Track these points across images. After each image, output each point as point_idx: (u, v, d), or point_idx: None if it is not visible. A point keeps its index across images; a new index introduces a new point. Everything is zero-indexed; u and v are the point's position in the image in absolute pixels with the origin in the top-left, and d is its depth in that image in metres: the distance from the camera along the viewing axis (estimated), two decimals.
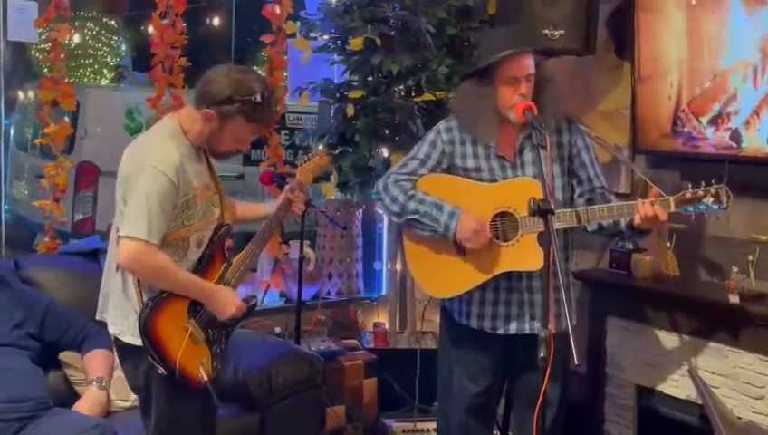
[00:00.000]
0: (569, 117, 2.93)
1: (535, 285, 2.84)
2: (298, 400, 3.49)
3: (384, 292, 5.06)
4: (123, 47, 10.62)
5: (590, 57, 3.84)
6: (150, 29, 4.15)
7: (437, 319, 3.23)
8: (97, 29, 10.33)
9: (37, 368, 3.14)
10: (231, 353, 2.77)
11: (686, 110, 3.55)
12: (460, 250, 2.82)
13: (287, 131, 7.08)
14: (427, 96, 4.11)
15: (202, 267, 2.59)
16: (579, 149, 2.90)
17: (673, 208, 2.63)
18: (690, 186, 2.64)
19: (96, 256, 3.65)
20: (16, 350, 3.11)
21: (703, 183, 2.63)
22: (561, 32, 3.60)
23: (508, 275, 2.83)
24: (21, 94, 6.85)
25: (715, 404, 3.16)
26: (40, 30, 3.93)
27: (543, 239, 2.69)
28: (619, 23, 3.97)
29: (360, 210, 4.92)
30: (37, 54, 8.11)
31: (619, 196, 3.93)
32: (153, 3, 4.07)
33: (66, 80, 4.00)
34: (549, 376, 2.26)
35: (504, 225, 2.80)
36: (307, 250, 4.29)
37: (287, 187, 2.89)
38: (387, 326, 4.67)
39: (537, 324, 2.82)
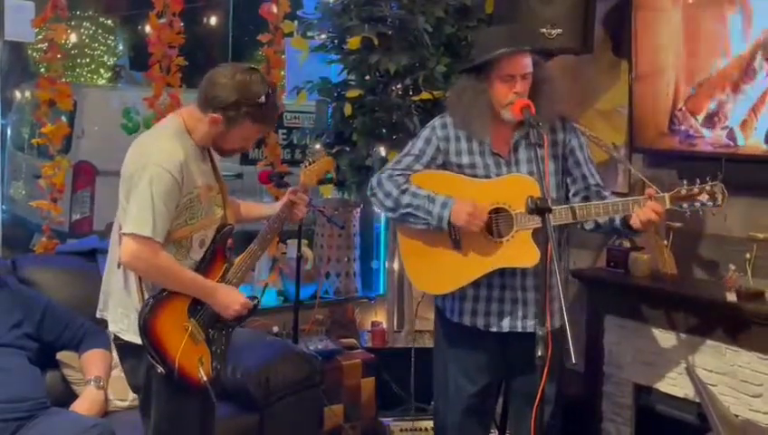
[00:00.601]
0: (563, 116, 2.93)
1: (528, 283, 2.85)
2: (296, 399, 3.49)
3: (382, 291, 5.05)
4: (120, 47, 10.62)
5: (587, 56, 3.84)
6: (147, 28, 4.14)
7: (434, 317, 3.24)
8: (94, 28, 10.32)
9: (35, 368, 3.14)
10: (229, 353, 2.76)
11: (683, 108, 3.55)
12: (456, 243, 2.82)
13: (285, 131, 7.08)
14: (425, 95, 4.11)
15: (204, 267, 2.59)
16: (573, 147, 2.91)
17: (668, 205, 2.65)
18: (686, 183, 2.65)
19: (94, 255, 3.64)
20: (14, 350, 3.11)
21: (698, 180, 2.63)
22: (559, 30, 3.61)
23: (501, 272, 2.84)
24: (18, 94, 6.84)
25: (712, 402, 3.16)
26: (37, 29, 3.92)
27: (539, 237, 2.71)
28: (616, 21, 3.98)
29: (358, 209, 4.92)
30: (34, 54, 8.10)
31: (617, 195, 3.95)
32: (150, 2, 4.07)
33: (63, 79, 4.00)
34: (547, 374, 2.26)
35: (498, 221, 2.81)
36: (305, 249, 4.29)
37: (290, 189, 2.88)
38: (385, 325, 4.67)
39: (530, 322, 2.85)
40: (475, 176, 2.87)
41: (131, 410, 3.17)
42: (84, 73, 10.16)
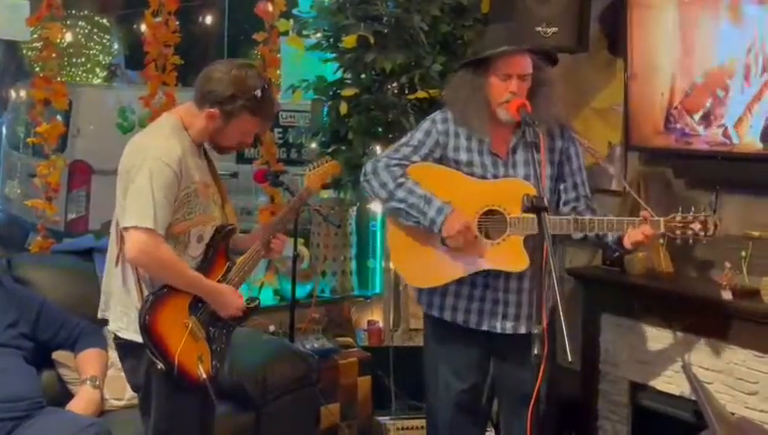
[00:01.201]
0: (562, 123, 2.93)
1: (512, 285, 2.86)
2: (292, 398, 3.49)
3: (378, 290, 5.05)
4: (116, 46, 10.60)
5: (583, 54, 3.84)
6: (143, 27, 4.13)
7: None
8: (89, 27, 10.30)
9: (31, 367, 3.13)
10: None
11: (679, 106, 3.55)
12: (445, 241, 2.82)
13: (280, 129, 7.07)
14: (421, 94, 4.10)
15: (205, 267, 2.59)
16: (570, 155, 2.93)
17: (662, 230, 2.69)
18: (681, 210, 2.68)
19: (89, 254, 3.64)
20: (10, 350, 3.10)
21: (693, 208, 2.68)
22: (554, 29, 3.62)
23: (486, 273, 2.84)
24: (13, 93, 6.84)
25: (708, 400, 3.17)
26: (32, 28, 3.92)
27: (529, 241, 2.75)
28: (611, 19, 3.98)
29: (354, 208, 4.91)
30: (29, 53, 8.09)
31: (611, 194, 3.96)
32: (145, 1, 4.06)
33: (58, 78, 3.99)
34: (543, 374, 2.26)
35: (491, 223, 2.81)
36: (301, 248, 4.29)
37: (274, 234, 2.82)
38: (381, 324, 4.67)
39: (509, 324, 2.88)
40: (471, 174, 2.86)
41: (127, 410, 3.17)
42: (80, 72, 10.14)
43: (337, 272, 4.86)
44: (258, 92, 2.53)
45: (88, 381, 3.18)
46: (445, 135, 2.90)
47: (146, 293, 2.48)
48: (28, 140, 4.15)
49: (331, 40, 4.37)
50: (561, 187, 2.93)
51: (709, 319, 3.36)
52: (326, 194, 4.57)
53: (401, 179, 2.86)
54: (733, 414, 3.24)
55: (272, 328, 4.28)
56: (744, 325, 3.23)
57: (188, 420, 2.60)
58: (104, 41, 10.54)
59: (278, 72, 4.64)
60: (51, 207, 3.95)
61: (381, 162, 2.93)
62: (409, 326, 4.50)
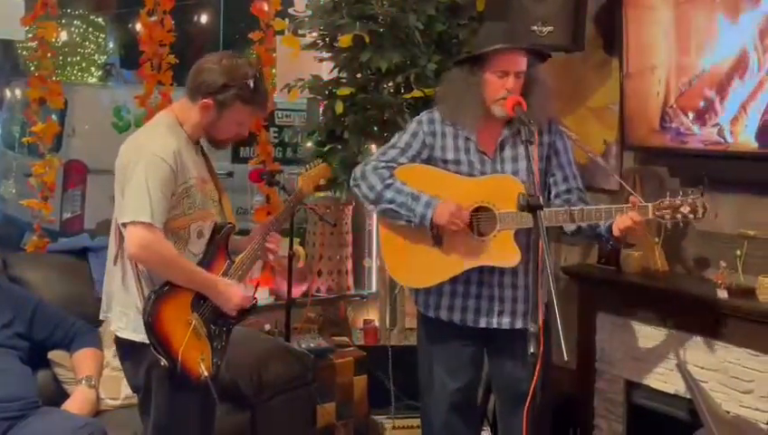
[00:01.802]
0: (550, 118, 2.95)
1: (506, 280, 2.88)
2: (288, 397, 3.49)
3: (374, 289, 5.05)
4: (111, 45, 10.59)
5: (578, 53, 3.84)
6: (138, 26, 4.13)
7: None
8: (84, 27, 10.30)
9: (26, 367, 3.13)
10: None
11: (674, 105, 3.56)
12: (437, 240, 2.83)
13: (276, 129, 7.07)
14: (416, 93, 4.10)
15: (206, 264, 2.59)
16: (558, 149, 2.94)
17: (651, 215, 2.68)
18: (669, 194, 2.69)
19: (85, 254, 3.63)
20: (5, 349, 3.10)
21: (680, 193, 2.67)
22: (550, 28, 3.62)
23: (480, 269, 2.86)
24: (8, 92, 6.83)
25: (703, 399, 3.18)
26: (27, 27, 3.91)
27: (521, 237, 2.77)
28: (607, 18, 3.98)
29: (350, 207, 4.91)
30: (24, 52, 8.08)
31: (608, 193, 3.96)
32: (141, 0, 4.06)
33: (54, 78, 3.98)
34: (539, 372, 2.26)
35: (481, 220, 2.82)
36: (297, 247, 4.28)
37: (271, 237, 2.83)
38: (377, 323, 4.67)
39: (505, 320, 2.89)
40: (459, 172, 2.88)
41: (123, 409, 3.18)
42: (75, 72, 10.13)
43: (333, 271, 4.86)
44: (250, 81, 2.54)
45: (83, 381, 3.17)
46: (431, 135, 2.92)
47: (146, 290, 2.47)
48: (23, 139, 4.14)
49: (327, 39, 4.37)
50: (551, 180, 2.94)
51: (704, 317, 3.37)
52: (322, 193, 4.57)
53: (389, 181, 2.88)
54: (728, 413, 3.25)
55: (267, 327, 4.28)
56: (739, 324, 3.23)
57: (189, 419, 2.59)
58: (99, 40, 10.54)
59: (274, 71, 4.64)
60: (46, 207, 3.94)
61: (369, 165, 2.94)
62: (405, 325, 4.51)
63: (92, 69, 10.32)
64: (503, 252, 2.79)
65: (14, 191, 6.72)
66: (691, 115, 3.50)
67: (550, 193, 2.95)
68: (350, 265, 4.95)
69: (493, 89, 2.78)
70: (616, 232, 2.71)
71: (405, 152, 2.92)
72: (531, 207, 2.37)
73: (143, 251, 2.42)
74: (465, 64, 2.86)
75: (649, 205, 2.68)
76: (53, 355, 3.28)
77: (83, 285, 3.48)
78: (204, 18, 7.87)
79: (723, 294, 3.28)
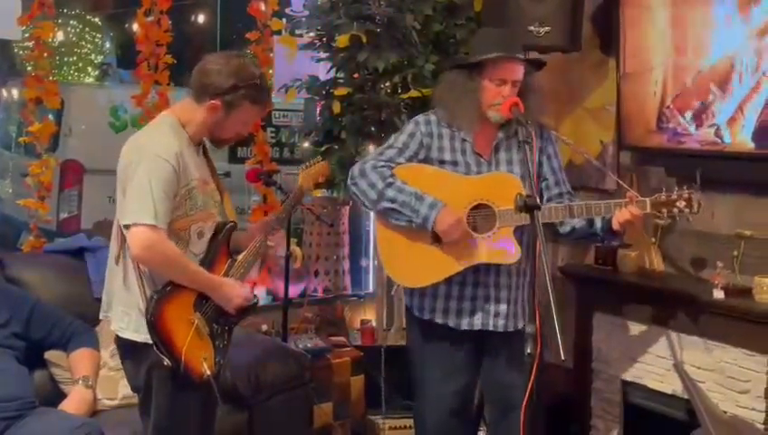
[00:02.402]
0: (541, 124, 2.98)
1: (503, 280, 2.88)
2: (285, 397, 3.49)
3: (371, 289, 5.06)
4: (108, 45, 10.58)
5: (575, 54, 3.85)
6: (135, 26, 4.13)
7: None
8: (81, 26, 10.29)
9: (23, 367, 3.12)
10: None
11: (671, 106, 3.56)
12: (436, 238, 2.83)
13: (273, 129, 7.07)
14: (414, 93, 4.11)
15: (208, 263, 2.58)
16: (549, 154, 2.98)
17: (648, 210, 2.72)
18: (664, 189, 2.72)
19: (81, 254, 3.63)
20: (1, 349, 3.09)
21: (676, 188, 2.71)
22: (547, 28, 3.62)
23: (476, 269, 2.85)
24: (4, 92, 6.82)
25: (701, 399, 3.18)
26: (23, 27, 3.90)
27: (520, 235, 2.78)
28: (604, 19, 3.99)
29: (347, 207, 4.91)
30: (20, 52, 8.07)
31: (605, 193, 3.97)
32: (138, 0, 4.05)
33: (50, 78, 3.98)
34: (536, 372, 2.26)
35: (480, 217, 2.82)
36: (294, 247, 4.28)
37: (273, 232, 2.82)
38: (374, 323, 4.67)
39: (501, 321, 2.89)
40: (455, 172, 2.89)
41: (120, 409, 3.17)
42: (71, 72, 10.12)
43: (330, 271, 4.86)
44: (258, 81, 2.54)
45: (80, 381, 3.17)
46: (429, 136, 2.92)
47: (148, 290, 2.46)
48: (20, 139, 4.14)
49: (324, 39, 4.37)
50: (543, 184, 2.97)
51: (701, 318, 3.37)
52: (319, 193, 4.57)
53: (390, 179, 2.87)
54: (725, 413, 3.26)
55: (264, 327, 4.28)
56: (736, 324, 3.24)
57: (189, 419, 2.59)
58: (96, 40, 10.53)
59: (271, 71, 4.64)
60: (43, 207, 3.94)
61: (368, 164, 2.93)
62: (402, 326, 4.50)
63: (89, 69, 10.30)
64: (503, 249, 2.79)
65: (10, 191, 6.71)
66: (688, 115, 3.50)
67: (542, 197, 2.96)
68: (346, 265, 4.95)
69: (490, 95, 2.80)
70: (616, 226, 2.75)
71: (402, 152, 2.92)
72: (528, 208, 2.37)
73: (147, 252, 2.41)
74: (463, 69, 2.88)
75: (647, 199, 2.72)
76: (50, 355, 3.27)
77: (80, 285, 3.47)
78: (201, 18, 7.86)
79: (719, 294, 3.28)
